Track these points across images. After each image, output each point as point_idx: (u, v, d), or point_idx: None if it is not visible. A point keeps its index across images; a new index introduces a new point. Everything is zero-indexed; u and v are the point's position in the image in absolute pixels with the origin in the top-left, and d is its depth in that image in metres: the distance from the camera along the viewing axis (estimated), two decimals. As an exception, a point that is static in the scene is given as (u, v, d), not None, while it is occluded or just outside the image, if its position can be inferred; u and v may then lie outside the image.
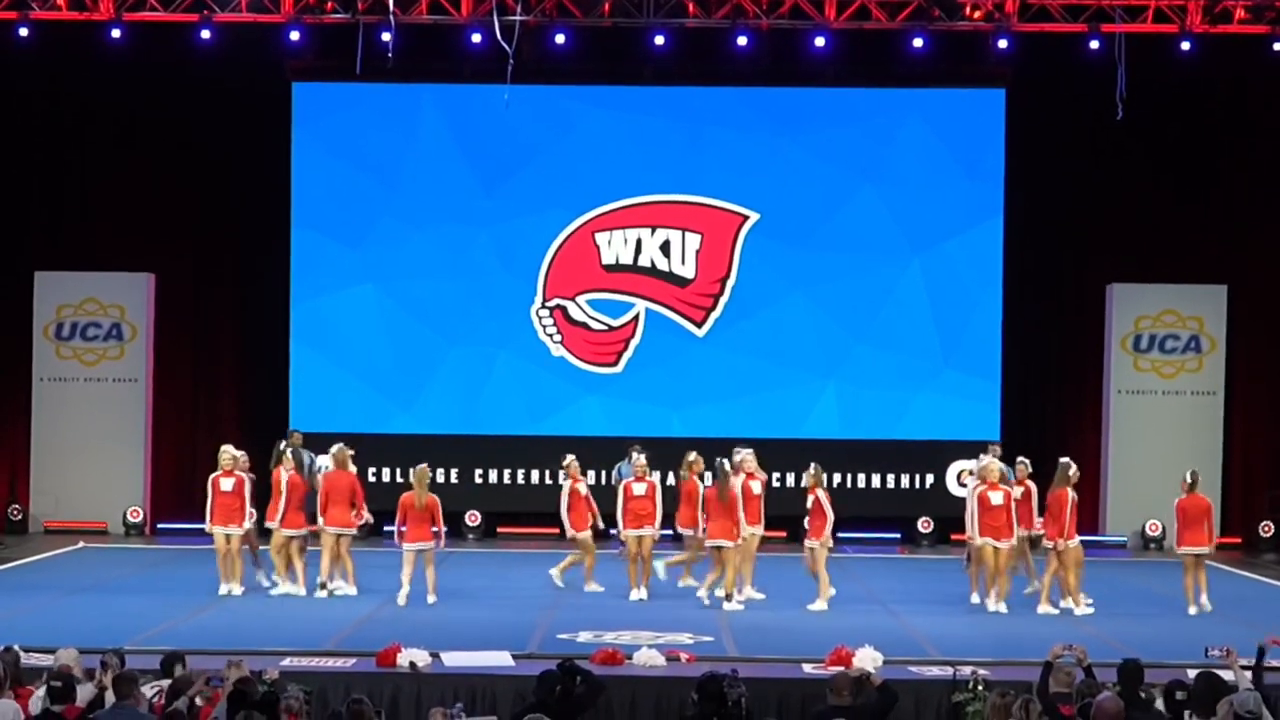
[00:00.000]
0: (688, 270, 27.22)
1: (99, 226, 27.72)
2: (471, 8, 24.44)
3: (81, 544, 25.31)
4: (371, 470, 25.97)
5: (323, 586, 19.83)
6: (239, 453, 20.22)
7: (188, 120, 27.03)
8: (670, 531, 21.22)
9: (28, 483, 27.29)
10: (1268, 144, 27.23)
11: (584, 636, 16.69)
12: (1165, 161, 27.42)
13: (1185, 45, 24.47)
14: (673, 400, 27.00)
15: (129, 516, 26.82)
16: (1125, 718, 10.80)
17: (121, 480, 26.98)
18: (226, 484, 19.91)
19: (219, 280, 27.98)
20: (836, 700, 11.97)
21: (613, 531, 21.31)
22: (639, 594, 19.88)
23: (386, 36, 23.81)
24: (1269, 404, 27.65)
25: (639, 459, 20.59)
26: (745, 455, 19.94)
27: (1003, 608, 19.21)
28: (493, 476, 27.11)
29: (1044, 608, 19.24)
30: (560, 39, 24.73)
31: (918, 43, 24.72)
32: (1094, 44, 24.38)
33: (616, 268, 27.21)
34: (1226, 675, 11.82)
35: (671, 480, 24.93)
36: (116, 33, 24.44)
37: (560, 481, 21.08)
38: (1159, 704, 11.85)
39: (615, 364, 27.20)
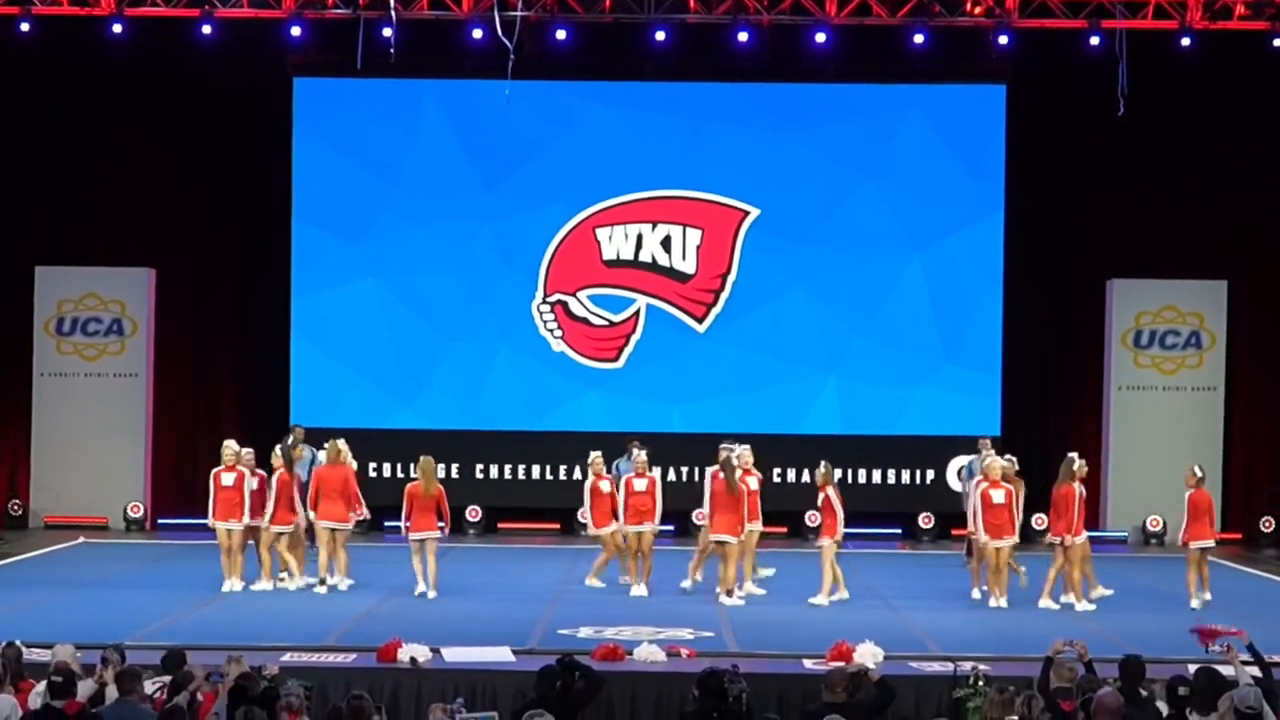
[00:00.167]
0: (688, 266, 27.22)
1: (100, 221, 27.74)
2: (472, 3, 24.45)
3: (82, 539, 25.31)
4: (372, 466, 26.03)
5: (322, 582, 19.84)
6: (245, 450, 20.16)
7: (189, 115, 27.03)
8: (671, 527, 21.21)
9: (28, 478, 27.29)
10: (1268, 140, 27.23)
11: (584, 632, 16.70)
12: (1165, 157, 27.43)
13: (1185, 41, 24.50)
14: (673, 396, 27.01)
15: (129, 512, 26.83)
16: (1126, 713, 10.81)
17: (122, 475, 26.98)
18: (228, 479, 19.91)
19: (220, 275, 27.99)
20: (831, 697, 11.97)
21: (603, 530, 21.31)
22: (639, 590, 19.87)
23: (387, 32, 23.80)
24: (1269, 399, 27.66)
25: (639, 455, 20.57)
26: (741, 451, 19.92)
27: (1004, 603, 19.21)
28: (493, 472, 27.11)
29: (1045, 602, 19.25)
30: (561, 34, 24.74)
31: (918, 39, 24.74)
32: (1094, 40, 24.41)
33: (617, 263, 27.21)
34: (1227, 670, 11.84)
35: (672, 476, 25.01)
36: (118, 28, 24.46)
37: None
38: (1160, 700, 11.87)
39: (616, 359, 27.21)
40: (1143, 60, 24.17)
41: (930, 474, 26.82)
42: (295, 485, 20.17)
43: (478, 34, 24.37)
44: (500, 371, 27.15)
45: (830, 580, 19.40)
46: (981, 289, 26.99)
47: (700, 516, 20.04)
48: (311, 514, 19.95)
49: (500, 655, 15.13)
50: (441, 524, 19.67)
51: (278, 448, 20.49)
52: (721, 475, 19.38)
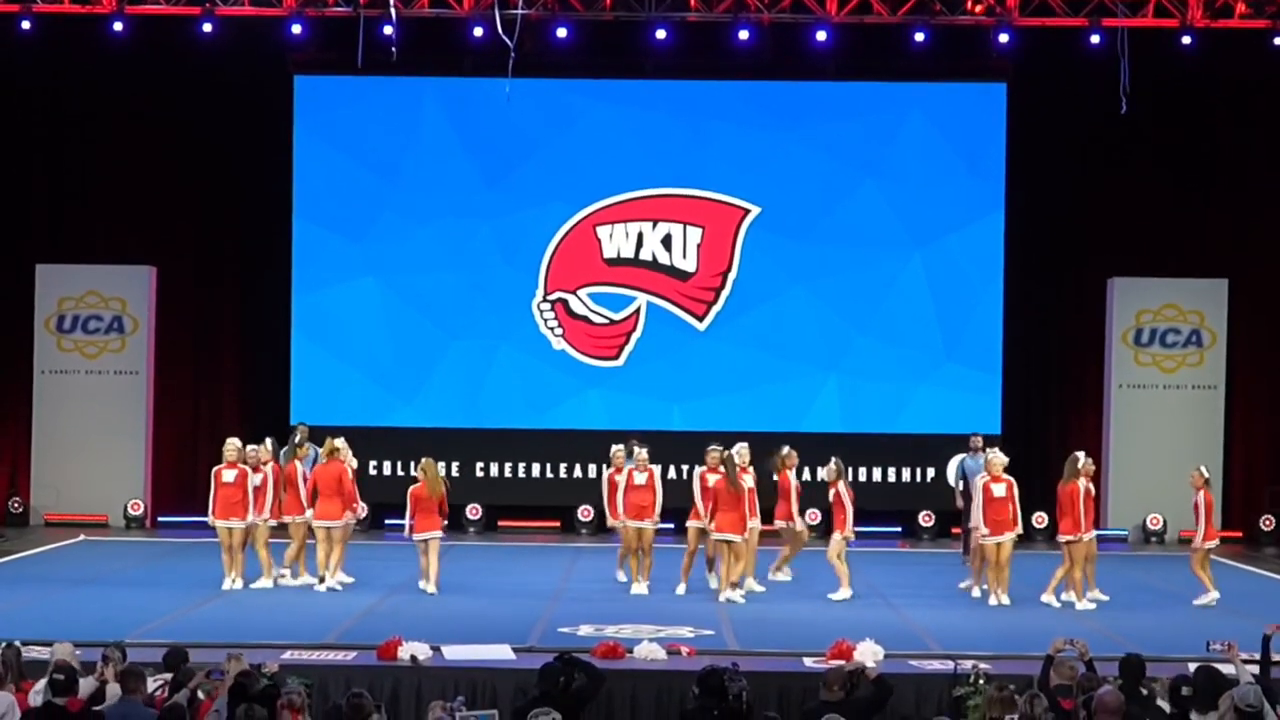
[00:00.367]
0: (689, 264, 27.23)
1: (100, 219, 27.76)
2: (473, 1, 24.44)
3: (82, 537, 25.30)
4: (372, 464, 26.06)
5: (321, 580, 19.86)
6: (251, 446, 20.13)
7: (189, 113, 27.05)
8: (671, 525, 21.20)
9: (28, 475, 27.30)
10: (1268, 138, 27.24)
11: (585, 630, 16.69)
12: (1166, 156, 27.43)
13: (1186, 40, 24.49)
14: (674, 394, 27.02)
15: (130, 509, 26.83)
16: (1126, 711, 10.81)
17: (122, 473, 26.99)
18: (229, 476, 19.90)
19: (220, 273, 28.00)
20: (828, 695, 11.97)
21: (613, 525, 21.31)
22: (640, 587, 19.87)
23: (388, 30, 23.80)
24: (1270, 398, 27.67)
25: (640, 453, 20.51)
26: (739, 449, 19.91)
27: (1005, 600, 19.22)
28: (494, 470, 27.12)
29: (1047, 598, 19.23)
30: (562, 33, 24.72)
31: (919, 37, 24.73)
32: (1095, 39, 24.41)
33: (618, 261, 27.21)
34: (1228, 669, 11.84)
35: (673, 474, 25.01)
36: (119, 26, 24.46)
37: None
38: (1162, 700, 11.87)
39: (616, 358, 27.21)
40: (1143, 59, 24.16)
41: (931, 472, 26.81)
42: (298, 480, 20.18)
43: (478, 32, 24.36)
44: (501, 370, 27.15)
45: (846, 575, 19.44)
46: (982, 287, 27.00)
47: (695, 517, 19.98)
48: (309, 512, 19.98)
49: (500, 653, 15.13)
50: (444, 524, 19.82)
51: (268, 441, 20.44)
52: (723, 471, 19.38)
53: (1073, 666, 12.30)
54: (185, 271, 27.74)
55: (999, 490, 19.48)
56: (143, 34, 24.91)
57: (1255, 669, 12.08)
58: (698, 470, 19.96)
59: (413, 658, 14.75)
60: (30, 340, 27.20)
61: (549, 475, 27.09)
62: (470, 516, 26.78)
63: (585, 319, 27.18)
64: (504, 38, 23.05)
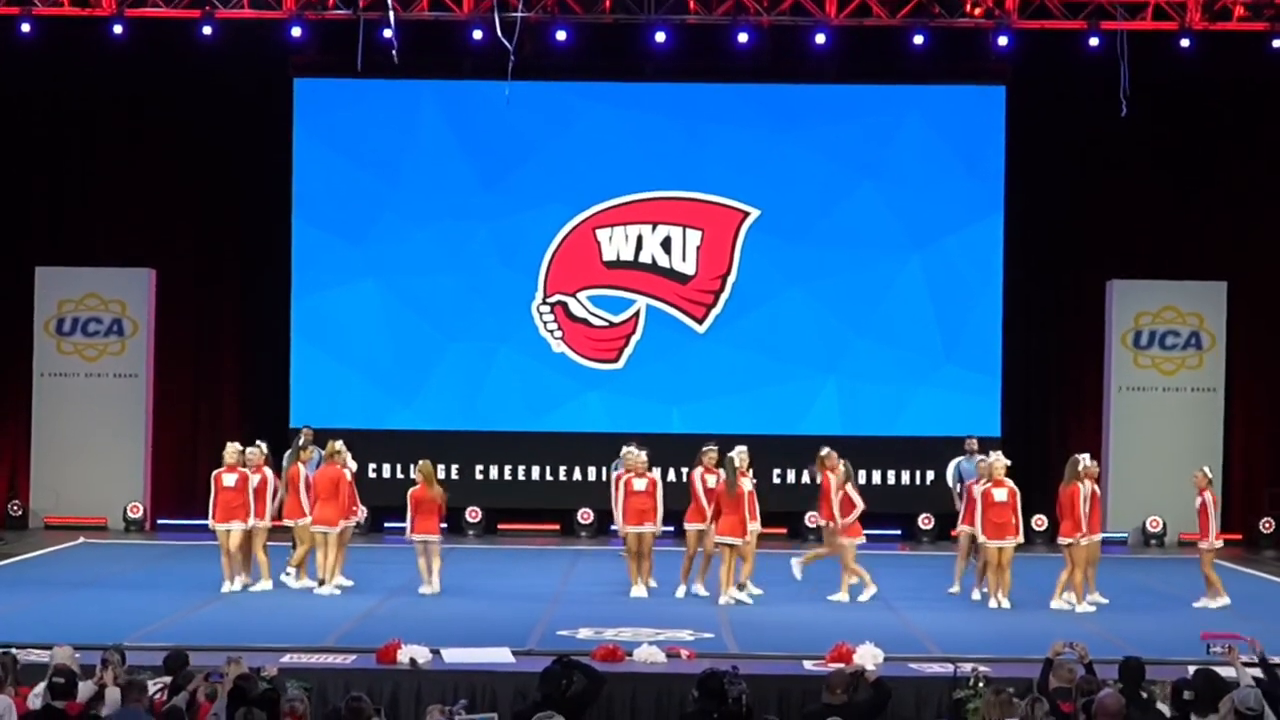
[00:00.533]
0: (688, 266, 27.23)
1: (100, 222, 27.76)
2: (473, 4, 24.44)
3: (82, 540, 25.30)
4: (372, 466, 26.05)
5: (321, 583, 19.86)
6: (250, 449, 20.12)
7: (189, 116, 27.05)
8: (671, 528, 21.20)
9: (28, 478, 27.30)
10: (1267, 140, 27.25)
11: (584, 633, 16.69)
12: (1165, 158, 27.44)
13: (1185, 42, 24.49)
14: (673, 396, 27.02)
15: (129, 512, 26.82)
16: (1126, 714, 10.80)
17: (122, 476, 26.98)
18: (229, 480, 19.90)
19: (220, 276, 27.99)
20: (831, 698, 11.97)
21: (613, 528, 21.28)
22: (639, 590, 19.87)
23: (388, 33, 23.79)
24: (1269, 400, 27.67)
25: (639, 455, 20.48)
26: (738, 451, 19.90)
27: (1006, 604, 19.21)
28: (493, 472, 27.11)
29: (1056, 603, 19.20)
30: (561, 35, 24.74)
31: (918, 39, 24.74)
32: (1094, 41, 24.41)
33: (617, 264, 27.22)
34: (1227, 672, 11.83)
35: (672, 476, 24.98)
36: (118, 29, 24.44)
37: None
38: (1163, 703, 11.86)
39: (616, 360, 27.21)
40: (1142, 61, 24.16)
41: (930, 474, 26.77)
42: (300, 484, 20.19)
43: (478, 35, 24.37)
44: (500, 372, 27.15)
45: (864, 574, 19.55)
46: (981, 289, 27.00)
47: (692, 519, 19.96)
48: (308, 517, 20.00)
49: (500, 656, 15.12)
50: (443, 525, 19.91)
51: (261, 445, 20.39)
52: (721, 473, 19.39)
53: (1072, 669, 12.29)
54: (185, 274, 27.73)
55: (1000, 495, 19.47)
56: (143, 36, 24.90)
57: (1257, 671, 12.06)
58: (697, 472, 19.92)
59: (412, 661, 14.75)
60: (30, 343, 27.19)
61: (548, 478, 27.08)
62: (469, 519, 26.77)
63: (585, 321, 27.18)
64: (503, 40, 23.04)
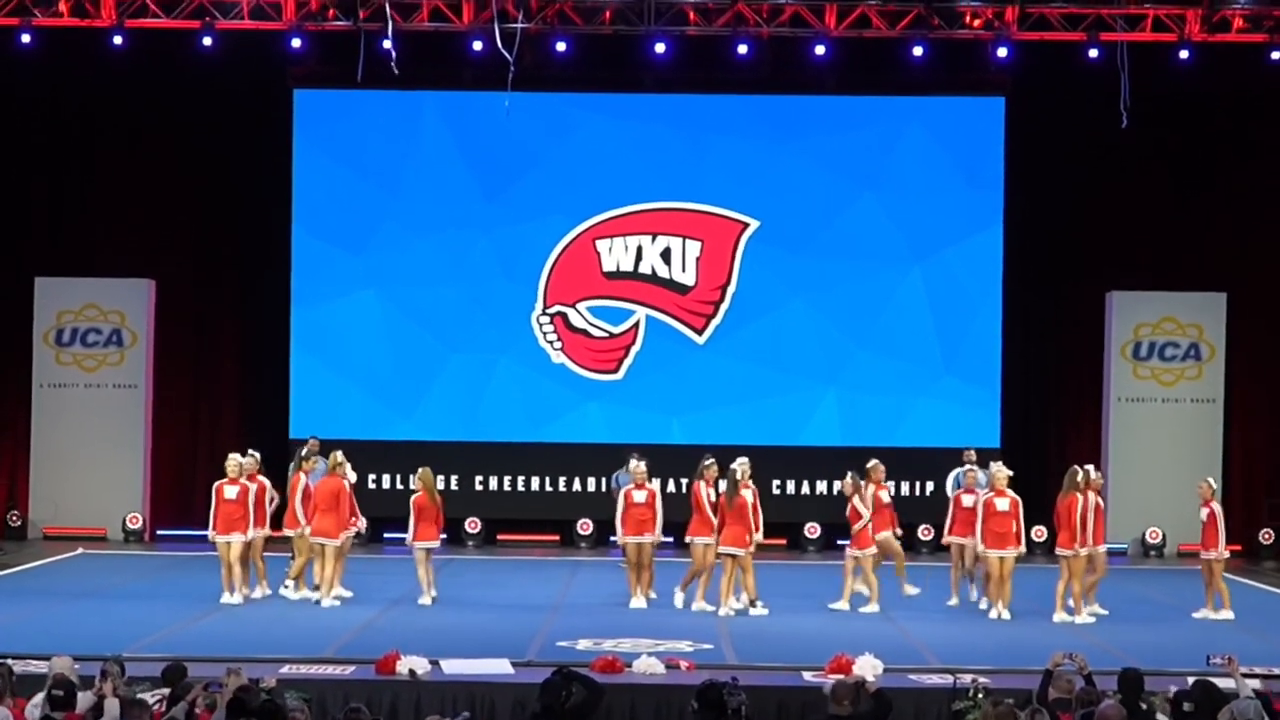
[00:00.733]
0: (688, 277, 27.23)
1: (100, 232, 27.75)
2: (472, 15, 24.46)
3: (80, 550, 25.29)
4: (371, 477, 26.05)
5: (316, 588, 19.86)
6: (244, 459, 20.09)
7: (189, 127, 27.06)
8: (671, 539, 21.18)
9: (27, 489, 27.29)
10: (1266, 152, 27.25)
11: (584, 644, 16.67)
12: (1164, 169, 27.46)
13: (1184, 54, 24.51)
14: (673, 407, 27.01)
15: (128, 523, 26.81)
16: (1126, 726, 10.80)
17: (121, 487, 26.97)
18: (230, 492, 19.88)
19: (219, 286, 27.99)
20: (837, 709, 11.95)
21: (613, 539, 21.27)
22: (639, 601, 19.85)
23: (388, 44, 23.81)
24: (1269, 411, 27.66)
25: (638, 466, 20.49)
26: (739, 463, 19.89)
27: (1006, 614, 19.19)
28: (493, 483, 27.10)
29: (1059, 615, 19.17)
30: (561, 46, 24.74)
31: (918, 51, 24.73)
32: (1093, 53, 24.40)
33: (617, 275, 27.22)
34: (1227, 684, 11.82)
35: (672, 488, 24.98)
36: (118, 40, 24.45)
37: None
38: (1161, 715, 11.85)
39: (616, 371, 27.21)
40: (1141, 73, 24.17)
41: (929, 486, 26.76)
42: (297, 494, 20.20)
43: (478, 45, 24.37)
44: (500, 383, 27.14)
45: (874, 588, 19.56)
46: (981, 300, 27.01)
47: (695, 532, 19.88)
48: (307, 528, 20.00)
49: (499, 667, 15.10)
50: (443, 535, 19.99)
51: (254, 454, 20.38)
52: (723, 485, 19.40)
53: (1071, 680, 12.29)
54: (184, 284, 27.73)
55: (1002, 505, 19.46)
56: (142, 47, 24.91)
57: (1256, 683, 12.05)
58: (699, 485, 19.88)
59: (411, 672, 14.73)
60: (29, 353, 27.19)
61: (548, 489, 27.08)
62: (469, 530, 26.76)
63: (584, 332, 27.18)
64: (503, 51, 23.07)
